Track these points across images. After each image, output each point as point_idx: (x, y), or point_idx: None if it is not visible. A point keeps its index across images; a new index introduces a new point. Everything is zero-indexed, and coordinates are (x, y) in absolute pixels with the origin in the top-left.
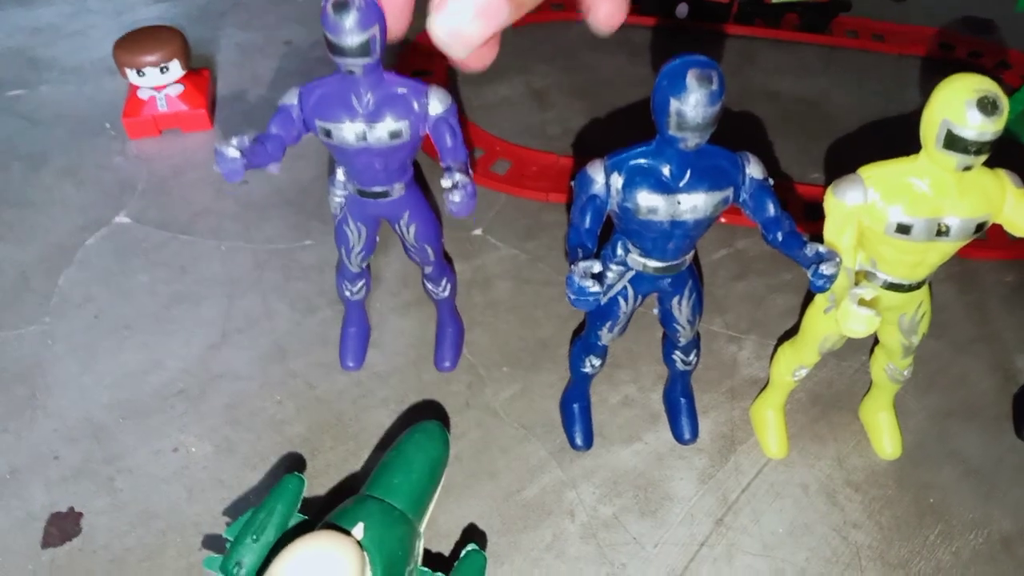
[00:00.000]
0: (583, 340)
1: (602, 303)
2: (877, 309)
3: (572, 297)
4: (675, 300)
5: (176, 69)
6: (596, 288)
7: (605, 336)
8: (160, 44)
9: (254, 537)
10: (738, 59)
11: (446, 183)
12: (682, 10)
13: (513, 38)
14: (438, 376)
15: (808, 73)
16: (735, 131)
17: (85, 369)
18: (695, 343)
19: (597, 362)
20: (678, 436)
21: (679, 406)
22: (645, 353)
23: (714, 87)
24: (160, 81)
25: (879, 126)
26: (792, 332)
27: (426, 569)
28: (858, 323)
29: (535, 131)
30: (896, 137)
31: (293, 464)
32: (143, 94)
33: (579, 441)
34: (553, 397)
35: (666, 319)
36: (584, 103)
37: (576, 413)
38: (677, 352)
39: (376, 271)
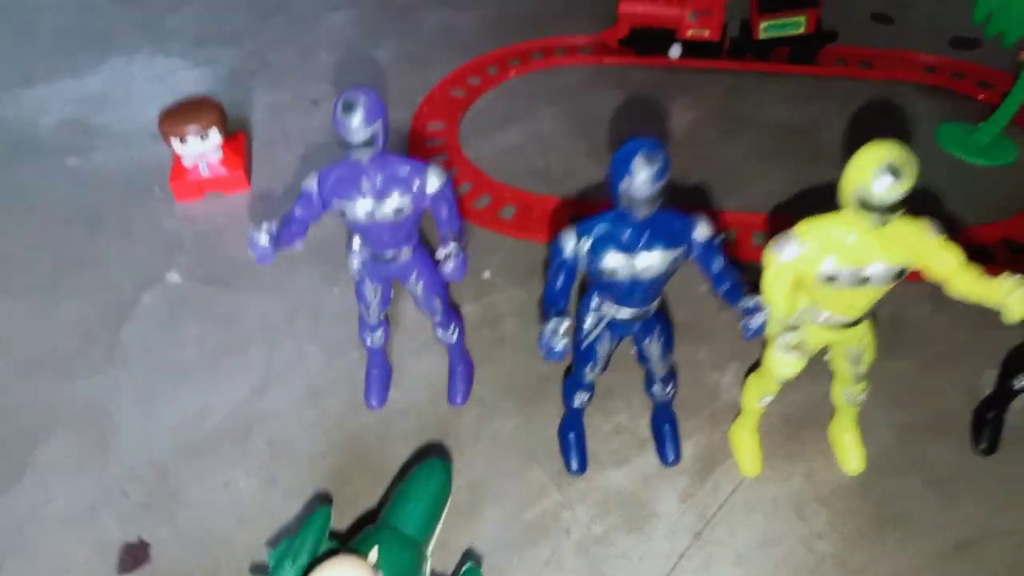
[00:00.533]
0: (571, 378)
1: (582, 349)
2: (804, 351)
3: (542, 352)
4: (646, 341)
5: (215, 136)
6: (562, 345)
7: (589, 375)
8: (200, 114)
9: (291, 561)
10: (730, 92)
11: (440, 254)
12: (675, 51)
13: (520, 85)
14: (451, 411)
15: (798, 103)
16: (728, 161)
17: (146, 414)
18: (671, 376)
19: (585, 396)
20: (663, 459)
21: (663, 432)
22: (635, 386)
23: (657, 167)
24: (201, 148)
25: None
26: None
27: None
28: (783, 367)
29: (540, 175)
30: None
31: (324, 495)
32: (186, 161)
33: (575, 466)
34: (552, 426)
35: (641, 357)
36: (585, 144)
37: (572, 441)
38: (656, 385)
39: (395, 317)
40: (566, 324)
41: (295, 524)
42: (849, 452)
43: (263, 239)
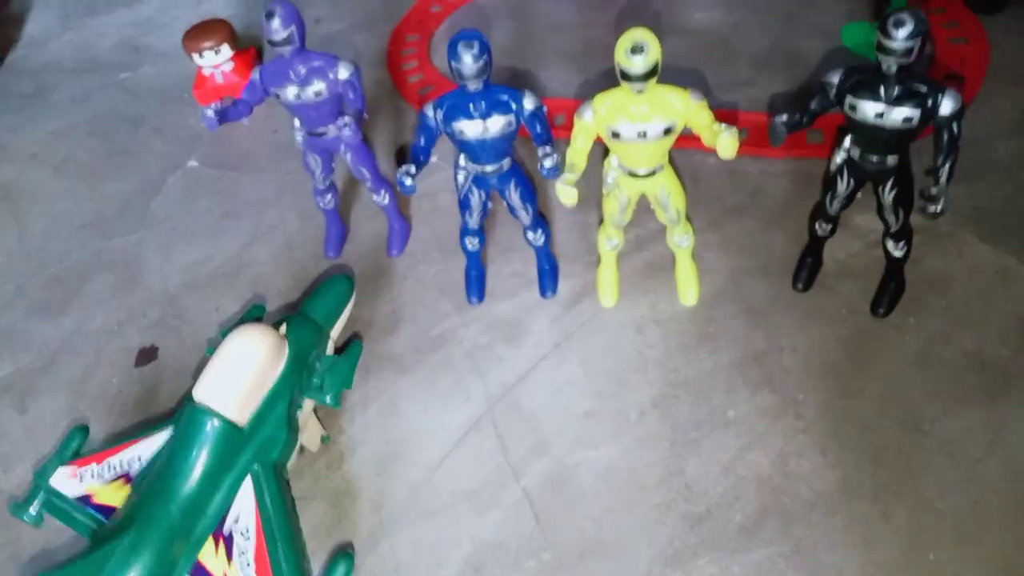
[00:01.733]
0: (461, 227)
1: (460, 200)
2: (574, 187)
3: (399, 187)
4: (507, 192)
5: (226, 51)
6: (409, 182)
7: (470, 221)
8: (212, 33)
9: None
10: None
11: (343, 124)
12: None
13: (489, 2)
14: (389, 260)
15: (725, 7)
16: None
17: (164, 261)
18: (538, 224)
19: (475, 241)
20: (542, 292)
21: (544, 271)
22: None
23: (475, 51)
24: (215, 60)
25: (775, 50)
26: None
27: (329, 355)
28: (563, 196)
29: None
30: (785, 56)
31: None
32: (205, 71)
33: (473, 298)
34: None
35: (509, 209)
36: (533, 50)
37: (472, 278)
38: (528, 232)
39: (354, 189)
40: (413, 169)
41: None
42: (685, 288)
43: (209, 113)
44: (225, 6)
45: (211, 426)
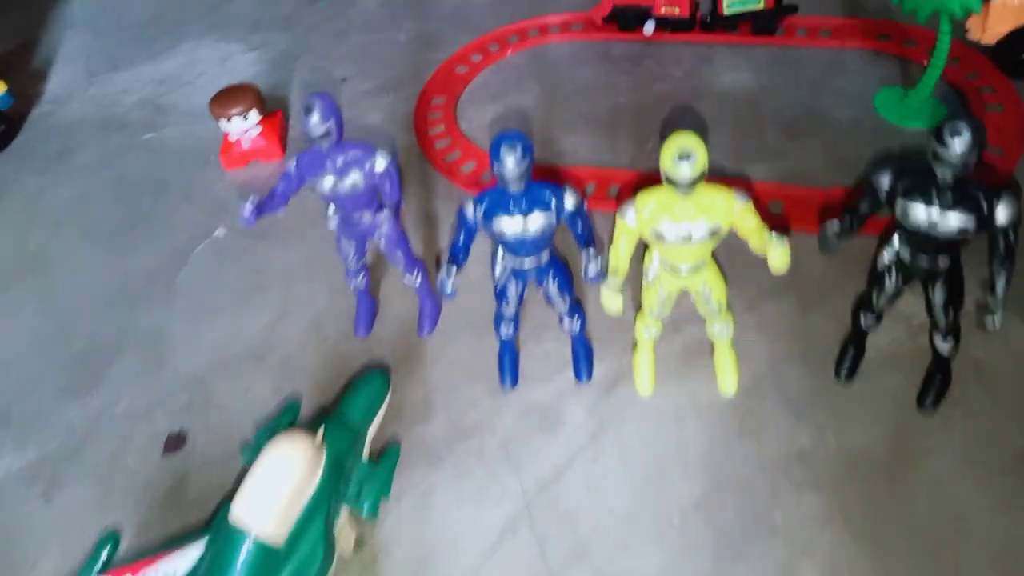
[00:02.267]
0: (496, 314)
1: (497, 291)
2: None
3: (438, 290)
4: (545, 284)
5: (254, 116)
6: (450, 287)
7: (505, 310)
8: (241, 99)
9: (266, 437)
10: (697, 63)
11: (381, 220)
12: (649, 28)
13: (516, 61)
14: (419, 340)
15: (753, 73)
16: (677, 126)
17: (191, 339)
18: (574, 311)
19: (510, 328)
20: (577, 377)
21: (578, 356)
22: None
23: (517, 154)
24: (243, 126)
25: (802, 116)
26: None
27: (365, 460)
28: (607, 303)
29: None
30: (815, 123)
31: (297, 395)
32: (232, 137)
33: (506, 383)
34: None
35: (546, 297)
36: (562, 114)
37: (505, 363)
38: (564, 319)
39: (384, 265)
40: (454, 271)
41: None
42: (724, 377)
43: (246, 213)
44: (249, 63)
45: (247, 548)
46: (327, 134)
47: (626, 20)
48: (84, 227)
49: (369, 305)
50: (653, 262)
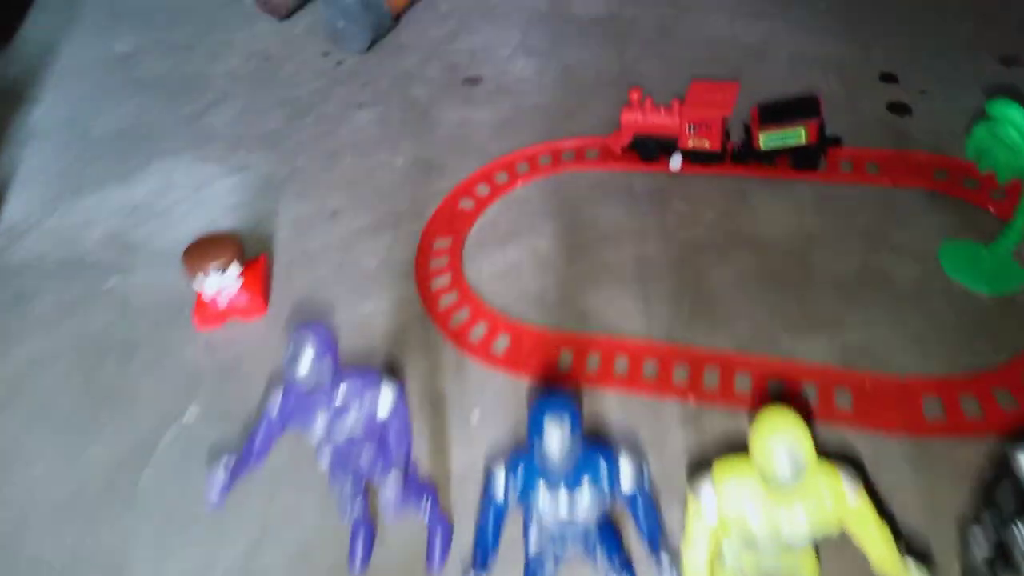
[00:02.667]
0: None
1: (526, 563)
2: None
3: None
4: (589, 548)
5: (233, 270)
6: None
7: None
8: (219, 251)
9: None
10: (731, 201)
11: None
12: (675, 163)
13: (527, 194)
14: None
15: (795, 217)
16: (714, 283)
17: (157, 566)
18: (624, 568)
19: None
20: None
21: None
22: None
23: (565, 428)
24: (221, 282)
25: (861, 275)
26: None
27: None
28: None
29: (535, 300)
30: (874, 284)
31: None
32: (206, 296)
33: None
34: None
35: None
36: (582, 264)
37: None
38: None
39: None
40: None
41: None
42: None
43: (216, 484)
44: (228, 191)
45: None
46: (320, 382)
47: (648, 151)
48: (37, 405)
49: (367, 532)
50: (732, 546)
